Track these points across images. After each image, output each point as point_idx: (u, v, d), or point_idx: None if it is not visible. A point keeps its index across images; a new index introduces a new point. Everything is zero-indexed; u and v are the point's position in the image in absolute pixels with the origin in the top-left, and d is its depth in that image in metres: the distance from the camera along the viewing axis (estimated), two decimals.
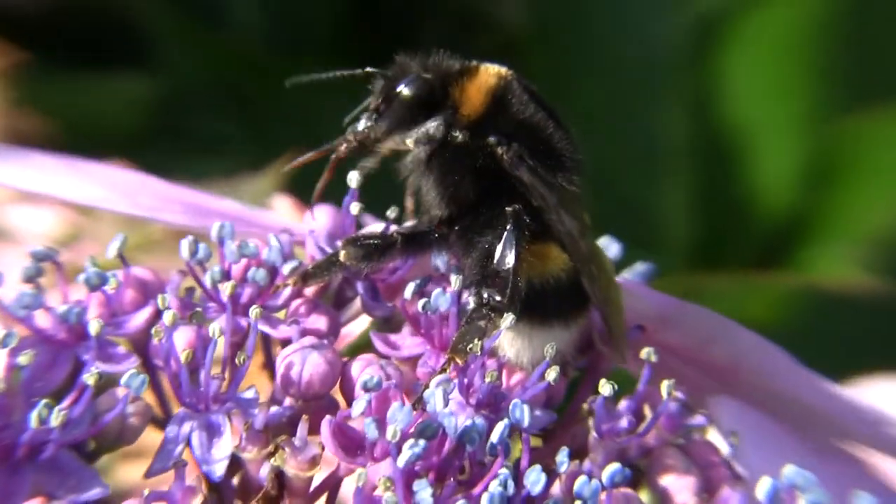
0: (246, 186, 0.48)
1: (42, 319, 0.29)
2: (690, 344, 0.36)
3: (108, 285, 0.30)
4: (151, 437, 0.31)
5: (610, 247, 0.37)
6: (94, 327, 0.28)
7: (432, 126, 0.32)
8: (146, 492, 0.28)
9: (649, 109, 0.70)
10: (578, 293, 0.32)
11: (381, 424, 0.29)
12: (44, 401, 0.27)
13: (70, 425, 0.27)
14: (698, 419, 0.33)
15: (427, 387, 0.30)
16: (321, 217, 0.37)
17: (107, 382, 0.29)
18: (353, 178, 0.34)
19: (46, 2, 0.66)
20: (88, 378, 0.27)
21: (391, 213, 0.35)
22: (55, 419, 0.26)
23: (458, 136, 0.32)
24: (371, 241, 0.32)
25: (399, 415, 0.28)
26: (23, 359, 0.27)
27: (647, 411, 0.33)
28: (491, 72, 0.34)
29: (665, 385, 0.32)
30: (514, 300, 0.31)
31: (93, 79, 0.64)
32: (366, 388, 0.29)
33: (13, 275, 0.29)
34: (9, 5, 0.64)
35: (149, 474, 0.29)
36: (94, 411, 0.28)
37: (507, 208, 0.31)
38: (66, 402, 0.27)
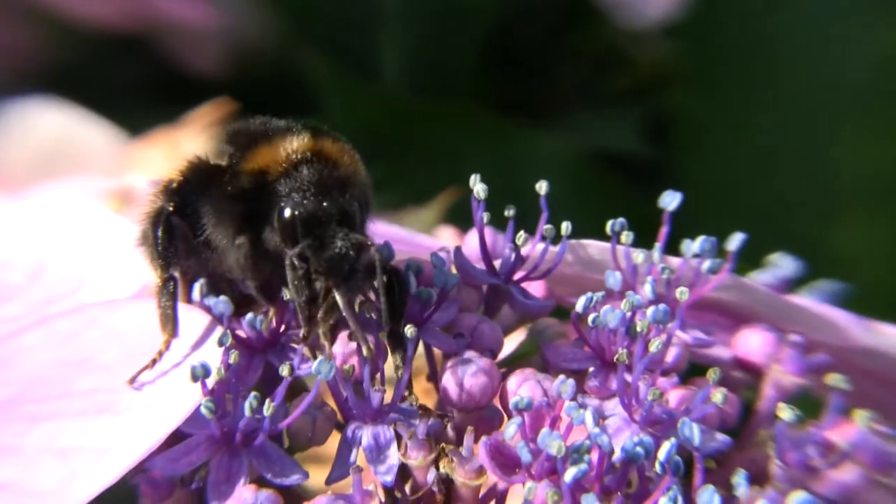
0: (409, 219, 0.51)
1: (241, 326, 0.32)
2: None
3: None
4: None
5: (783, 263, 0.35)
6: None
7: None
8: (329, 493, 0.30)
9: (836, 145, 0.66)
10: None
11: (535, 445, 0.28)
12: (253, 393, 0.30)
13: (275, 418, 0.30)
14: None
15: (583, 407, 0.29)
16: (471, 240, 0.39)
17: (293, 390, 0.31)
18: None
19: (232, 67, 0.81)
20: (283, 369, 0.30)
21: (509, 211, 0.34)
22: (266, 409, 0.29)
23: None
24: None
25: (548, 439, 0.28)
26: (233, 357, 0.30)
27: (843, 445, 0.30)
28: None
29: (861, 415, 0.29)
30: None
31: None
32: (517, 409, 0.29)
33: None
34: (207, 73, 0.80)
35: (329, 481, 0.30)
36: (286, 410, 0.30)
37: None
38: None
